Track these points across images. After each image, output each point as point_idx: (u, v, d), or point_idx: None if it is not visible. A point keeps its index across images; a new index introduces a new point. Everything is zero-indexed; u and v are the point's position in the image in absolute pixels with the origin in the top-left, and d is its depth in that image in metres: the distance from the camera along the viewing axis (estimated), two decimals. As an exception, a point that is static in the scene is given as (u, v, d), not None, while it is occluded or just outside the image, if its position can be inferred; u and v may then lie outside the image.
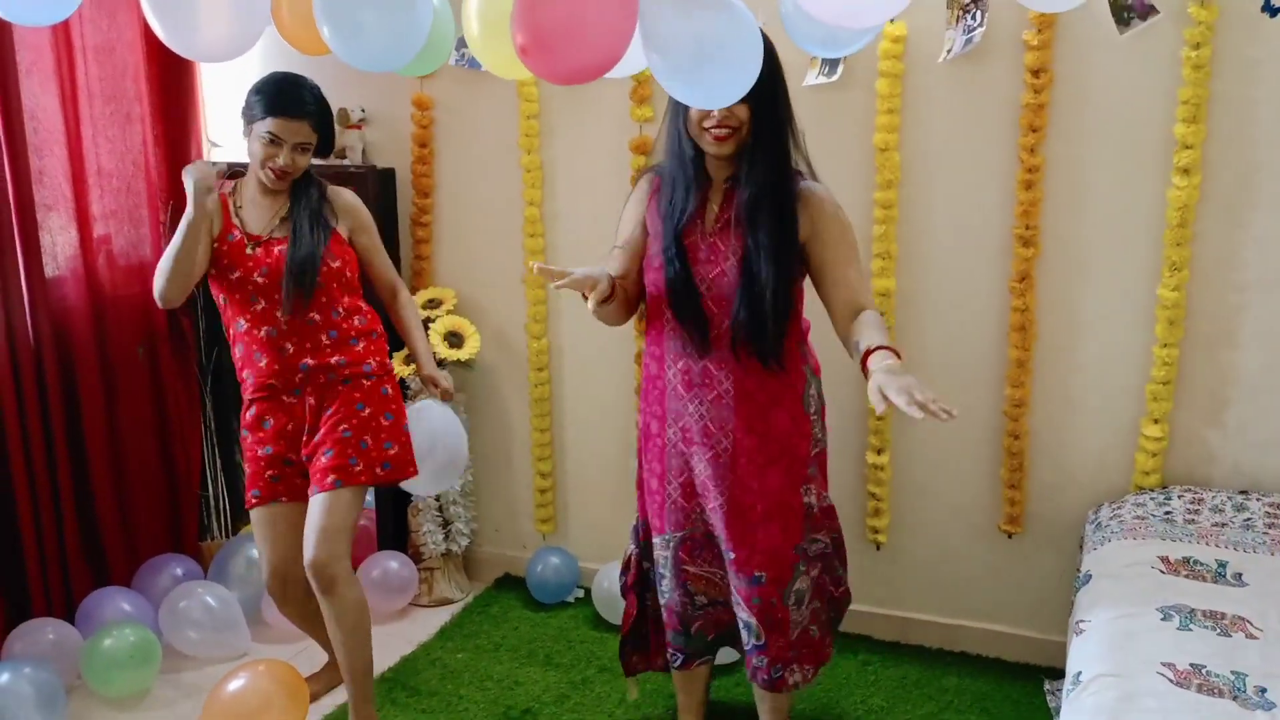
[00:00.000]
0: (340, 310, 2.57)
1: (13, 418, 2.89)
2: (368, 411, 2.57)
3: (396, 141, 3.40)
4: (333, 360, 2.55)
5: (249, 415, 2.59)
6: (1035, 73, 2.63)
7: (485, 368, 3.49)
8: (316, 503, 2.52)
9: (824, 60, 2.80)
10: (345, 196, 2.66)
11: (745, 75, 1.67)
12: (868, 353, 1.99)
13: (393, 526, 3.53)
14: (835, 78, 2.80)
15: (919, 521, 3.04)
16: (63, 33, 3.01)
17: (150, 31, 3.19)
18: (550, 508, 3.50)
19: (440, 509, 3.46)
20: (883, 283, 2.86)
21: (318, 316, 2.54)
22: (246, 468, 2.62)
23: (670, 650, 2.51)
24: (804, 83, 2.83)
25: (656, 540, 2.43)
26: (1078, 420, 2.82)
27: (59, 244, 3.06)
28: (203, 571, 3.35)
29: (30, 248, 2.93)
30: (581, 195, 3.24)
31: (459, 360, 3.30)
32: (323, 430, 2.55)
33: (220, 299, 2.58)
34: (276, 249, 2.51)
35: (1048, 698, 2.75)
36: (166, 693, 2.96)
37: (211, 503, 3.55)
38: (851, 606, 3.09)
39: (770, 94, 2.07)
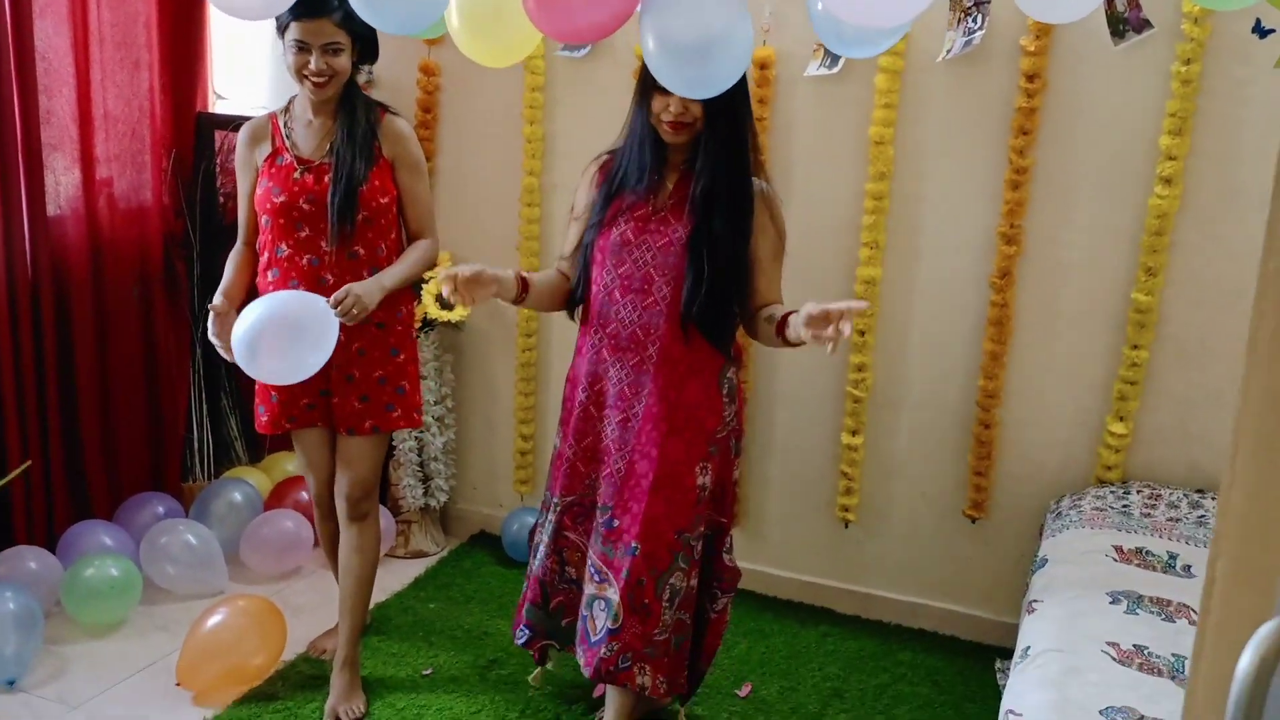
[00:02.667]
0: (384, 247, 2.54)
1: (7, 351, 2.93)
2: (401, 358, 2.61)
3: (401, 106, 3.39)
4: None
5: None
6: (1030, 78, 2.72)
7: (475, 330, 3.56)
8: (354, 445, 2.60)
9: (826, 52, 2.88)
10: (395, 125, 2.56)
11: (731, 72, 1.76)
12: (785, 315, 2.18)
13: (374, 480, 3.60)
14: (836, 70, 2.87)
15: (887, 502, 3.15)
16: (76, -25, 3.03)
17: (164, -20, 3.25)
18: (530, 470, 3.59)
19: (421, 464, 3.53)
20: (869, 270, 2.96)
21: (362, 251, 2.50)
22: (271, 395, 2.59)
23: (521, 625, 2.51)
24: (805, 73, 2.91)
25: (550, 500, 2.45)
26: (1046, 414, 2.93)
27: (62, 184, 3.09)
28: (184, 511, 3.41)
29: (34, 186, 2.96)
30: (580, 168, 3.28)
31: (449, 322, 3.37)
32: (356, 373, 2.55)
33: (264, 220, 2.52)
34: (326, 176, 2.46)
35: (997, 676, 2.87)
36: (141, 624, 3.03)
37: (195, 445, 3.60)
38: (817, 580, 3.25)
39: (728, 94, 1.97)
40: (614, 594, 2.27)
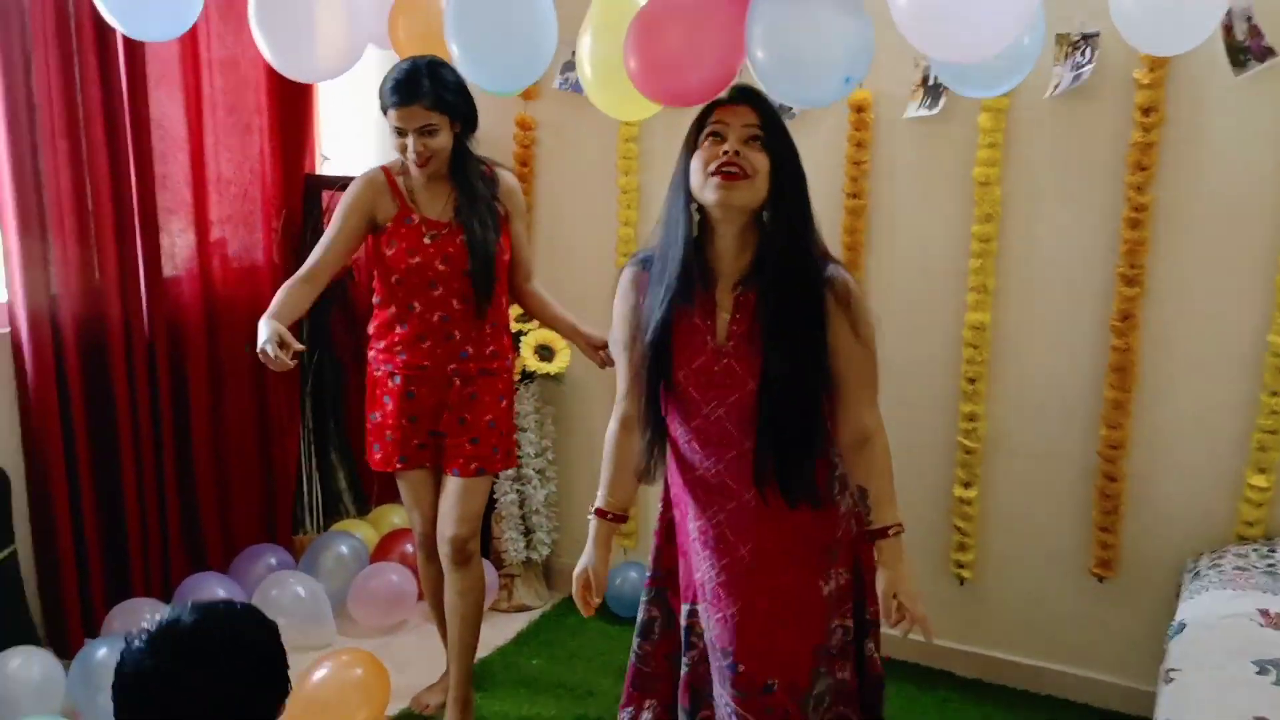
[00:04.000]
0: (504, 300, 2.68)
1: (125, 407, 3.03)
2: (505, 404, 2.70)
3: (499, 160, 3.47)
4: (488, 350, 2.64)
5: (393, 384, 2.63)
6: (1146, 111, 2.58)
7: (574, 382, 3.54)
8: (458, 485, 2.65)
9: (925, 93, 2.80)
10: (506, 180, 2.67)
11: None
12: (881, 531, 1.94)
13: (477, 532, 3.60)
14: (937, 111, 2.79)
15: (1006, 559, 2.99)
16: (190, 46, 3.16)
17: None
18: (633, 523, 3.53)
19: (523, 517, 3.52)
20: (977, 316, 2.84)
21: (485, 307, 2.62)
22: (386, 435, 2.66)
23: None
24: (904, 115, 2.83)
25: (684, 608, 2.11)
26: (1177, 466, 2.75)
27: (178, 245, 3.21)
28: (294, 562, 3.46)
29: (150, 248, 3.08)
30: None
31: (549, 374, 3.36)
32: (468, 417, 2.64)
33: (393, 279, 2.57)
34: (458, 239, 2.54)
35: (1133, 749, 2.68)
36: (252, 679, 3.07)
37: (305, 498, 3.67)
38: (935, 642, 3.08)
39: (790, 147, 1.83)
40: None
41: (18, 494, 2.88)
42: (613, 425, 2.07)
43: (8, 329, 2.83)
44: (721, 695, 2.03)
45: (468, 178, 2.57)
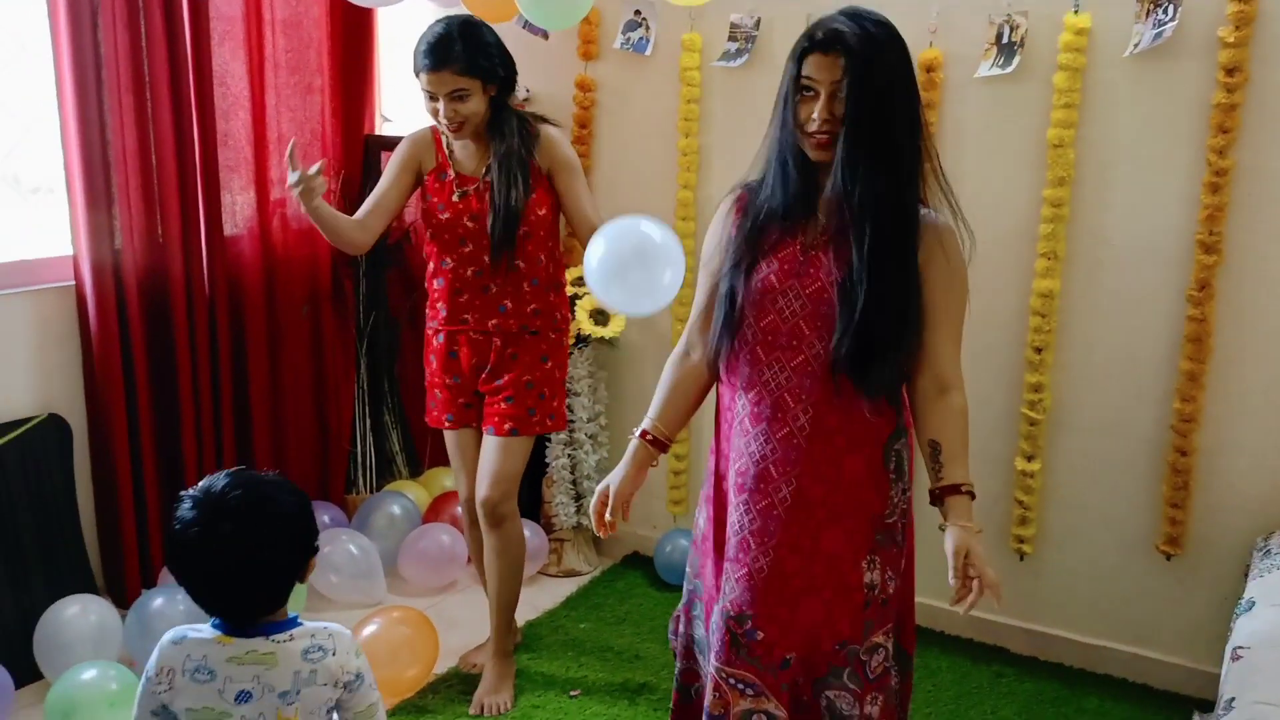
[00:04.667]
0: (543, 258, 2.63)
1: (185, 363, 3.06)
2: (549, 365, 2.67)
3: (555, 118, 3.45)
4: (529, 309, 2.62)
5: (437, 342, 2.68)
6: (1229, 71, 2.48)
7: (628, 347, 3.52)
8: (492, 445, 2.65)
9: (999, 51, 2.71)
10: (547, 135, 2.61)
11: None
12: (952, 488, 1.81)
13: (526, 495, 3.59)
14: (1010, 69, 2.70)
15: (1068, 534, 2.91)
16: (254, 6, 3.17)
17: (335, 9, 3.37)
18: (683, 490, 3.51)
19: (574, 482, 3.51)
20: (1046, 283, 2.76)
21: (522, 264, 2.60)
22: (436, 393, 2.73)
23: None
24: (976, 74, 2.75)
25: (717, 609, 1.97)
26: (1252, 440, 2.65)
27: (238, 204, 3.22)
28: (347, 521, 3.49)
29: (212, 206, 3.10)
30: (735, 180, 3.22)
31: (603, 338, 3.34)
32: (506, 376, 2.63)
33: (428, 234, 2.64)
34: (486, 196, 2.54)
35: (1196, 730, 2.61)
36: (306, 634, 3.10)
37: (359, 459, 3.69)
38: (990, 616, 3.04)
39: (875, 91, 1.74)
40: (776, 709, 1.87)
41: (79, 445, 2.94)
42: (676, 350, 2.04)
43: (72, 282, 2.87)
44: (733, 666, 1.88)
45: (502, 135, 2.54)
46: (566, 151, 2.62)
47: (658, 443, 2.01)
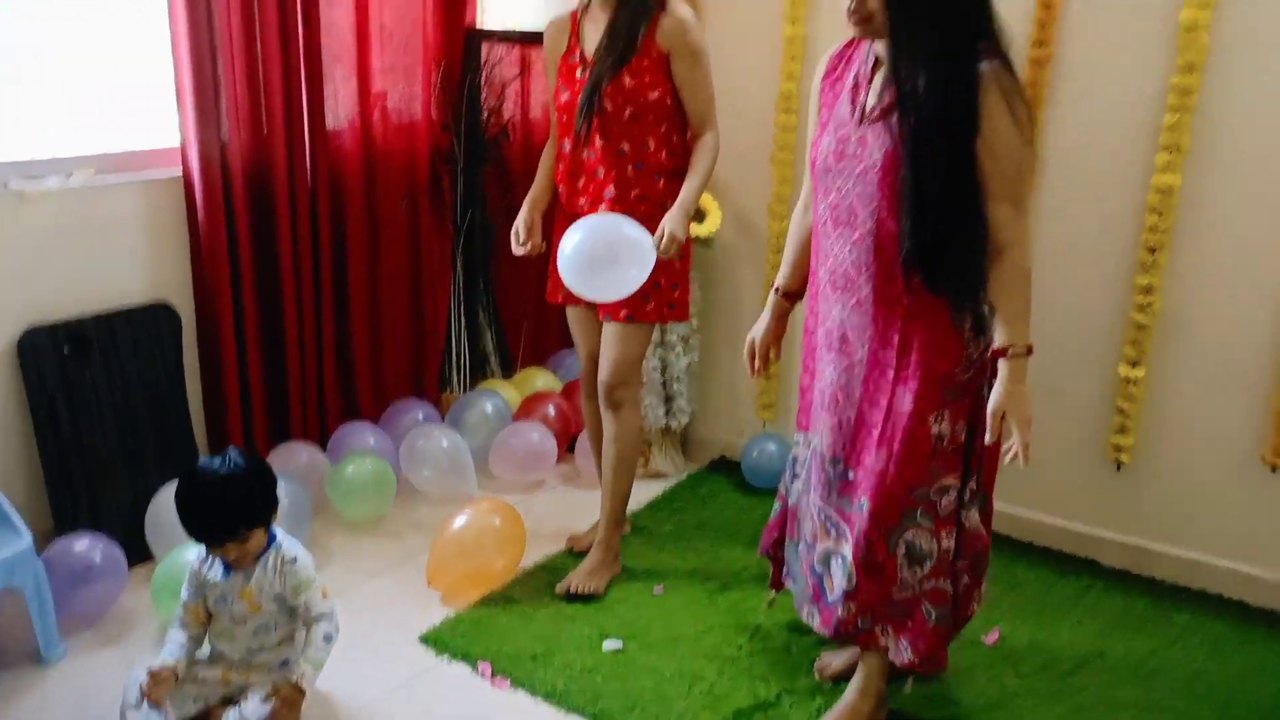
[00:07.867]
0: (651, 143, 2.57)
1: (288, 255, 3.13)
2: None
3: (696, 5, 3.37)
4: (633, 194, 2.59)
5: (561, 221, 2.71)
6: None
7: (723, 247, 3.49)
8: (608, 331, 2.69)
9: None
10: (673, 14, 2.50)
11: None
12: (1000, 350, 1.90)
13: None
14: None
15: (1169, 444, 2.83)
16: (357, -105, 3.15)
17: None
18: (773, 394, 3.49)
19: (664, 384, 3.52)
20: (1166, 178, 2.63)
21: (627, 147, 2.56)
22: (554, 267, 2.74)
23: (777, 562, 2.39)
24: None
25: (799, 436, 2.26)
26: (1373, 350, 2.53)
27: (340, 95, 3.23)
28: (440, 418, 3.56)
29: (315, 98, 3.11)
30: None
31: (698, 237, 3.31)
32: None
33: (562, 118, 2.63)
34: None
35: (1295, 646, 2.54)
36: (397, 523, 3.19)
37: (453, 358, 3.75)
38: (1080, 527, 2.98)
39: None
40: (849, 550, 2.08)
41: (187, 333, 3.03)
42: (798, 205, 2.25)
43: (180, 172, 2.93)
44: (825, 507, 2.14)
45: (624, 7, 2.50)
46: (691, 38, 2.51)
47: (790, 295, 2.30)
